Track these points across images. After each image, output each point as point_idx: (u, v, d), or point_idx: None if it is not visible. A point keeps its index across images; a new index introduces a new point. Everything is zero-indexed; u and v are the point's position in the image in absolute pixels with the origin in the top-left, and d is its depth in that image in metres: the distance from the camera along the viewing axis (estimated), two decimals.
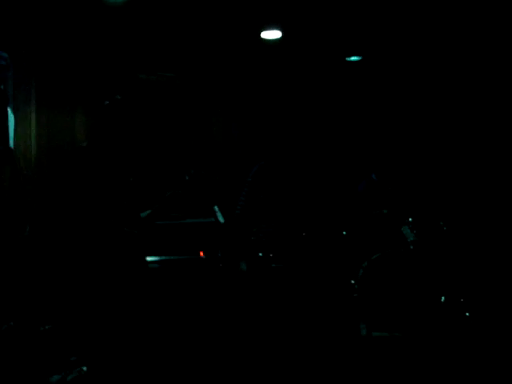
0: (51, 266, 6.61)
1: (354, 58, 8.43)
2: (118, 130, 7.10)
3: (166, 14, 7.26)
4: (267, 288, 7.04)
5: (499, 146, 7.84)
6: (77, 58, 7.58)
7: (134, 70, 8.12)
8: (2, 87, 6.34)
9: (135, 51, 8.02)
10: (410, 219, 7.09)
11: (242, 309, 6.81)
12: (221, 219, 7.29)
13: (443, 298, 6.64)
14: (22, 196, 6.76)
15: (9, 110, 6.48)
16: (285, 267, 7.22)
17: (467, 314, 6.53)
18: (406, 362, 5.98)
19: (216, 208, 7.37)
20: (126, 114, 7.36)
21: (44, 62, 7.27)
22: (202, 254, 7.11)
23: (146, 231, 6.85)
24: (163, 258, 6.93)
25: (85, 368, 5.13)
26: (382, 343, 6.44)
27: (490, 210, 7.66)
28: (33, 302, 6.23)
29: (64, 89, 7.48)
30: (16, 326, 5.85)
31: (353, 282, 6.97)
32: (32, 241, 6.70)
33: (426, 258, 6.96)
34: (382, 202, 7.50)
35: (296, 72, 8.94)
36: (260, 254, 7.21)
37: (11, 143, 6.58)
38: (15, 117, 6.66)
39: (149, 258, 6.80)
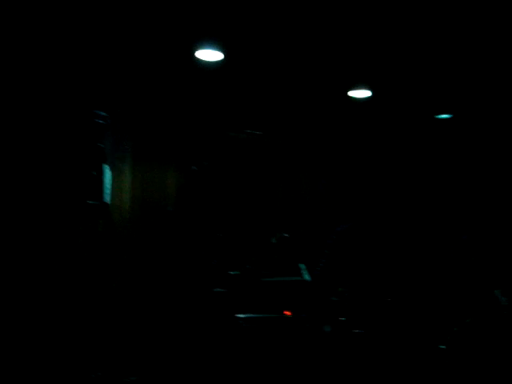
0: (141, 318, 6.77)
1: (443, 116, 8.33)
2: (204, 194, 7.34)
3: (257, 74, 7.49)
4: (347, 353, 6.90)
5: None
6: (171, 118, 7.91)
7: (225, 129, 8.36)
8: (101, 145, 6.77)
9: (225, 110, 8.28)
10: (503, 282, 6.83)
11: (321, 371, 6.70)
12: (307, 277, 7.27)
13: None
14: (114, 248, 7.07)
15: (106, 167, 6.87)
16: (366, 334, 7.07)
17: None
18: None
19: (302, 266, 7.38)
20: (213, 178, 7.61)
21: (140, 122, 7.63)
22: (288, 313, 7.07)
23: (235, 289, 6.94)
24: (251, 315, 6.94)
25: None
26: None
27: None
28: (120, 352, 6.39)
29: (158, 148, 7.80)
30: (104, 375, 6.02)
31: (443, 346, 6.72)
32: (122, 292, 6.94)
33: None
34: (471, 264, 7.27)
35: (384, 130, 8.92)
36: (343, 318, 7.10)
37: (108, 199, 6.95)
38: (112, 173, 7.05)
39: (239, 315, 6.86)
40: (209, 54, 6.76)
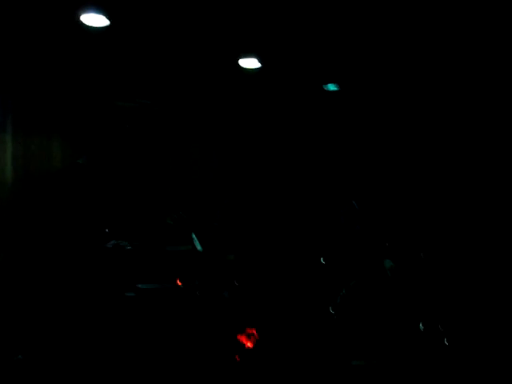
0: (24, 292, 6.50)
1: (331, 88, 8.48)
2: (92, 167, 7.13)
3: (144, 40, 7.29)
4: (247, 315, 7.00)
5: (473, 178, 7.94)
6: (54, 84, 7.54)
7: (111, 97, 8.10)
8: None
9: (112, 78, 8.01)
10: (387, 244, 7.13)
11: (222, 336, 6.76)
12: (198, 247, 7.26)
13: (421, 325, 6.65)
14: None
15: None
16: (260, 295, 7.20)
17: (446, 341, 6.54)
18: None
19: (194, 235, 7.35)
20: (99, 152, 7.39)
21: (21, 88, 7.22)
22: (178, 282, 7.05)
23: (122, 259, 6.82)
24: (140, 285, 6.86)
25: None
26: (360, 371, 6.42)
27: (466, 238, 7.71)
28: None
29: (41, 116, 7.43)
30: None
31: (331, 309, 6.96)
32: (7, 267, 6.61)
33: (404, 285, 6.98)
34: (362, 228, 7.53)
35: (273, 101, 8.98)
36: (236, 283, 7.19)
37: None
38: None
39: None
40: (94, 19, 6.54)
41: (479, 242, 7.46)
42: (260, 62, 7.72)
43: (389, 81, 8.13)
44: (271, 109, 8.96)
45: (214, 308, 6.96)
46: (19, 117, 7.18)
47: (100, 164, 7.75)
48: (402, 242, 7.25)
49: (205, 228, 7.59)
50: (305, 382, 6.31)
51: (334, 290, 7.10)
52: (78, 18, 6.47)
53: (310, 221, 8.20)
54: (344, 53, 7.51)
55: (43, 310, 6.36)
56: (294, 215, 8.20)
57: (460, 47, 7.03)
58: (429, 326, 6.61)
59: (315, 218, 8.21)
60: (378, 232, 7.39)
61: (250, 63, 7.80)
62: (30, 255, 6.77)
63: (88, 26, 6.68)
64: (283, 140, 8.98)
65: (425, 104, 8.20)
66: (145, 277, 7.00)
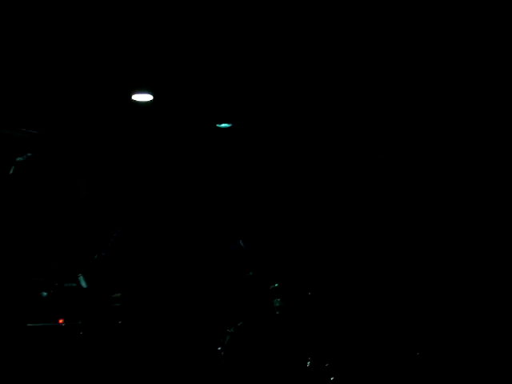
0: None
1: (224, 125, 8.59)
2: None
3: (38, 68, 7.09)
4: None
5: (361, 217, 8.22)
6: None
7: None
8: None
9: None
10: (276, 285, 7.20)
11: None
12: (83, 284, 7.05)
13: (309, 362, 6.72)
14: None
15: None
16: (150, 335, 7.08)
17: (332, 378, 6.64)
18: None
19: (80, 275, 7.15)
20: None
21: None
22: (61, 321, 6.82)
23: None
24: (30, 324, 6.63)
25: None
26: None
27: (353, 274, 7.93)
28: None
29: None
30: None
31: (219, 348, 6.91)
32: None
33: (292, 323, 7.05)
34: (249, 266, 7.57)
35: (167, 134, 8.97)
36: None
37: None
38: None
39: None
40: None
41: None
42: (152, 95, 7.71)
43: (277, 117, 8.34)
44: (163, 141, 8.97)
45: (98, 347, 6.78)
46: None
47: None
48: (291, 282, 7.35)
49: (91, 265, 7.39)
50: None
51: (223, 329, 7.07)
52: None
53: (199, 258, 8.18)
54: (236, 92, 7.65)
55: None
56: (181, 252, 8.16)
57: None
58: (316, 362, 6.69)
59: (204, 256, 8.20)
60: (267, 272, 7.46)
61: (143, 97, 7.77)
62: None
63: None
64: (174, 173, 8.99)
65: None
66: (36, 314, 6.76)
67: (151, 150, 9.01)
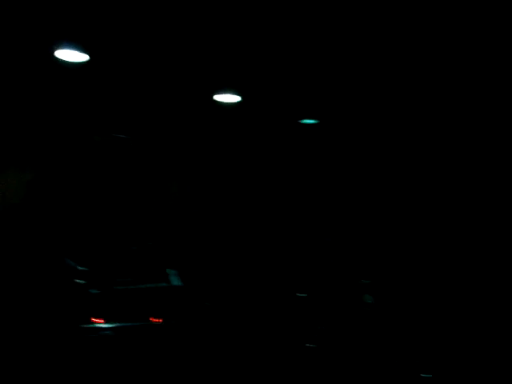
0: None
1: (308, 121, 8.54)
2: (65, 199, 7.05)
3: (122, 75, 7.30)
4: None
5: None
6: (31, 120, 7.50)
7: (89, 133, 8.06)
8: None
9: (90, 114, 7.98)
10: (368, 281, 7.12)
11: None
12: (176, 282, 7.16)
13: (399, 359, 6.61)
14: None
15: None
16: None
17: (426, 375, 6.50)
18: None
19: (171, 271, 7.26)
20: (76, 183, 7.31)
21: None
22: (156, 320, 6.92)
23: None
24: (117, 324, 6.71)
25: None
26: None
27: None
28: None
29: (15, 151, 7.36)
30: None
31: (310, 345, 6.90)
32: None
33: (383, 320, 6.96)
34: (337, 263, 7.52)
35: (252, 133, 9.01)
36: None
37: None
38: None
39: (102, 325, 6.62)
40: (72, 55, 6.50)
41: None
42: (239, 95, 7.73)
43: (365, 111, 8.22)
44: (249, 141, 9.00)
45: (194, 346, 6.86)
46: None
47: (75, 197, 7.68)
48: (383, 279, 7.24)
49: (181, 262, 7.53)
50: None
51: (313, 323, 7.05)
52: (53, 54, 6.43)
53: (290, 252, 8.19)
54: (321, 88, 7.59)
55: None
56: (272, 249, 8.19)
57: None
58: (407, 359, 6.57)
59: (295, 250, 8.20)
60: (356, 267, 7.39)
61: (226, 98, 7.82)
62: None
63: (65, 61, 6.63)
64: (261, 173, 9.01)
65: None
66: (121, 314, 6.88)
67: (238, 149, 9.08)
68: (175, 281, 7.23)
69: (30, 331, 6.22)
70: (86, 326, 6.52)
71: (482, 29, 5.86)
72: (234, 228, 8.10)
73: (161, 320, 6.87)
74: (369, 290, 7.13)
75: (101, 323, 6.60)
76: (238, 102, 7.79)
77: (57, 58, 6.51)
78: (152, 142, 8.71)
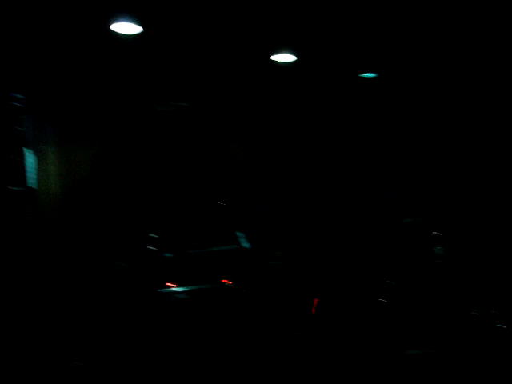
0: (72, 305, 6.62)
1: (368, 75, 8.38)
2: (135, 168, 7.21)
3: (178, 43, 7.36)
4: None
5: None
6: (92, 95, 7.67)
7: (151, 103, 8.19)
8: (20, 129, 6.51)
9: (149, 84, 8.10)
10: (436, 233, 7.01)
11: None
12: (246, 245, 7.27)
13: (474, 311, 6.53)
14: (44, 235, 6.85)
15: (28, 151, 6.62)
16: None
17: (499, 325, 6.41)
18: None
19: (240, 234, 7.37)
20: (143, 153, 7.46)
21: (60, 101, 7.35)
22: (227, 281, 7.06)
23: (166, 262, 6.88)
24: (190, 288, 6.89)
25: None
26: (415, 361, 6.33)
27: None
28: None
29: (81, 127, 7.55)
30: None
31: (382, 299, 6.89)
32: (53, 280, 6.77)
33: (454, 272, 6.86)
34: (402, 215, 7.43)
35: (310, 93, 8.93)
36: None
37: (33, 183, 6.71)
38: (36, 157, 6.79)
39: (175, 289, 6.81)
40: (126, 27, 6.62)
41: None
42: (295, 55, 7.67)
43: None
44: (308, 102, 8.93)
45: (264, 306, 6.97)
46: (60, 129, 7.33)
47: (142, 167, 7.85)
48: (452, 230, 7.10)
49: (249, 225, 7.61)
50: (359, 370, 6.27)
51: (383, 279, 7.03)
52: (109, 27, 6.57)
53: (352, 212, 8.14)
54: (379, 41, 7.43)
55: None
56: (336, 208, 8.16)
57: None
58: (482, 311, 6.48)
59: (357, 209, 8.14)
60: (424, 220, 7.27)
61: (283, 58, 7.77)
62: (80, 259, 6.91)
63: (120, 34, 6.76)
64: (322, 133, 8.94)
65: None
66: (193, 277, 7.04)
67: (296, 109, 9.03)
68: (245, 243, 7.34)
69: (110, 300, 6.49)
70: (161, 290, 6.71)
71: None
72: (298, 189, 8.10)
73: (231, 282, 7.01)
74: (440, 243, 7.01)
75: (175, 287, 6.79)
76: (295, 62, 7.76)
77: (113, 32, 6.66)
78: (213, 108, 8.78)
